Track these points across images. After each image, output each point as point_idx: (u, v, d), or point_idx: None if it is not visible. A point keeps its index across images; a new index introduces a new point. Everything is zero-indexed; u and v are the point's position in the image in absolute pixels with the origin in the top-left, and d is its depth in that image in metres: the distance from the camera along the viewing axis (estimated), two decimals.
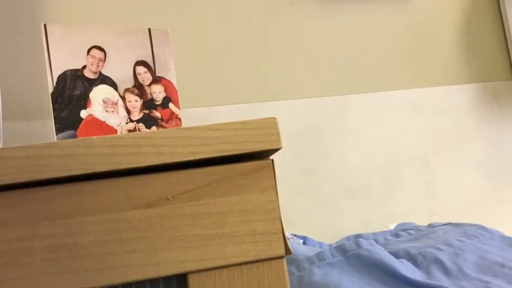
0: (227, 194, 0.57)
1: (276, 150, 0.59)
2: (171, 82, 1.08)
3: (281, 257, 0.58)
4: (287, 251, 0.58)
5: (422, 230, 1.32)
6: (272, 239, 0.58)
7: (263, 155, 0.62)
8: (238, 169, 0.58)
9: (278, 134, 0.58)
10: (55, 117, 0.96)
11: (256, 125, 0.58)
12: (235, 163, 0.58)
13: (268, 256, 0.58)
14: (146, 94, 1.05)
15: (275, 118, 0.58)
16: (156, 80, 1.06)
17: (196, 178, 0.57)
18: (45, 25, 0.98)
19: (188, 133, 0.56)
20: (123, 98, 1.02)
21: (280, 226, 0.58)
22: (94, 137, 0.54)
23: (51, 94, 0.96)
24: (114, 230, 0.55)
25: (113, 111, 1.01)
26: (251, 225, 0.58)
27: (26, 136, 1.42)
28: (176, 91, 1.08)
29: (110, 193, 0.55)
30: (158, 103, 1.06)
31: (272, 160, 0.59)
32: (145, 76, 1.05)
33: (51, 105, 0.96)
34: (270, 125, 0.58)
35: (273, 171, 0.59)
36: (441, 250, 1.07)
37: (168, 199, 0.56)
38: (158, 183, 0.56)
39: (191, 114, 1.58)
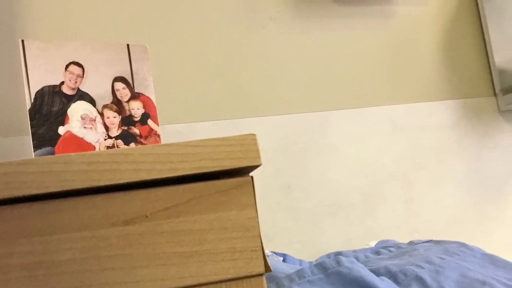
0: (207, 211, 0.57)
1: (255, 166, 0.59)
2: (149, 98, 1.07)
3: (261, 274, 0.58)
4: (267, 268, 0.58)
5: (403, 248, 1.32)
6: (251, 256, 0.58)
7: (243, 171, 0.61)
8: (217, 186, 0.58)
9: (257, 151, 0.58)
10: (33, 134, 0.95)
11: (235, 142, 0.58)
12: (215, 180, 0.58)
13: (247, 274, 0.57)
14: (125, 110, 1.04)
15: (254, 134, 0.58)
16: (135, 96, 1.06)
17: (175, 195, 0.57)
18: (22, 41, 0.97)
19: (167, 149, 0.56)
20: (101, 114, 1.02)
21: (260, 244, 0.58)
22: (72, 154, 0.54)
23: (29, 110, 0.96)
24: (92, 247, 0.54)
25: (91, 128, 1.00)
26: (230, 243, 0.57)
27: (3, 153, 1.41)
28: (155, 107, 1.08)
29: (88, 210, 0.55)
30: (136, 119, 1.05)
31: (252, 177, 0.59)
32: (123, 92, 1.05)
33: (29, 122, 0.95)
34: (249, 142, 0.58)
35: (252, 188, 0.59)
36: (422, 267, 1.07)
37: (147, 216, 0.56)
38: (136, 200, 0.56)
39: (170, 131, 1.58)
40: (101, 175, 0.54)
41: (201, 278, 0.56)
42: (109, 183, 0.54)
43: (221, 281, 0.57)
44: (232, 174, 0.60)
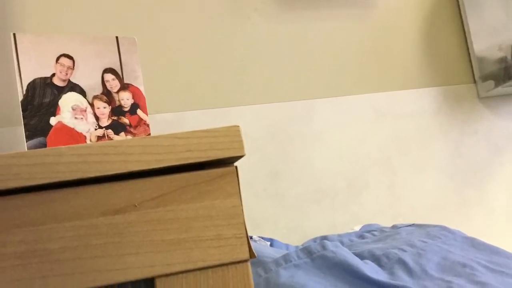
0: (193, 200, 0.59)
1: (239, 157, 0.61)
2: (138, 89, 1.08)
3: (246, 260, 0.60)
4: (251, 255, 0.60)
5: (386, 231, 1.33)
6: (236, 243, 0.59)
7: (227, 161, 0.63)
8: (203, 176, 0.60)
9: (241, 142, 0.60)
10: (25, 125, 0.96)
11: (220, 133, 0.59)
12: (200, 170, 0.60)
13: (232, 260, 0.59)
14: (115, 101, 1.05)
15: (238, 126, 0.60)
16: (124, 87, 1.07)
17: (163, 185, 0.58)
18: (14, 35, 0.98)
19: (154, 141, 0.58)
20: (91, 105, 1.03)
21: (244, 231, 0.60)
22: (63, 146, 0.55)
23: (21, 102, 0.97)
24: (83, 236, 0.56)
25: (82, 118, 1.01)
26: (216, 230, 0.59)
27: None
28: (144, 97, 1.09)
29: (79, 201, 0.56)
30: (126, 109, 1.06)
31: (236, 166, 0.61)
32: (113, 83, 1.06)
33: (21, 113, 0.97)
34: (233, 133, 0.60)
35: (236, 177, 0.61)
36: (404, 251, 1.08)
37: (136, 206, 0.57)
38: (125, 190, 0.57)
39: (159, 120, 1.59)
40: (91, 167, 0.56)
41: (188, 264, 0.58)
42: (99, 174, 0.56)
43: (207, 267, 0.59)
44: (217, 164, 0.62)
